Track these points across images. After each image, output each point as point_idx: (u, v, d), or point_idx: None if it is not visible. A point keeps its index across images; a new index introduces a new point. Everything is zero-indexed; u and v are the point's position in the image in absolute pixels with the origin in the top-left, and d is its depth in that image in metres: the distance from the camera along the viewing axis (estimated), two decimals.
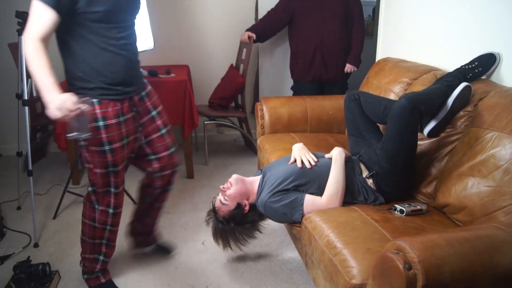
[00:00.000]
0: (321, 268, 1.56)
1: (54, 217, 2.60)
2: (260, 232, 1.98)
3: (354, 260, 1.38)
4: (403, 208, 1.67)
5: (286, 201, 1.78)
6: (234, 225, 1.90)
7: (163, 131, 1.88)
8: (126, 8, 1.65)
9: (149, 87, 1.87)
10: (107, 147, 1.68)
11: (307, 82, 3.29)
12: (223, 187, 1.93)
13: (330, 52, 3.18)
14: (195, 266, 2.13)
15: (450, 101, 1.79)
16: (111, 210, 1.82)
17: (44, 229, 2.47)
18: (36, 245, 2.29)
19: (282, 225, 2.27)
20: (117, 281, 2.00)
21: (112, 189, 1.79)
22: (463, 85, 1.79)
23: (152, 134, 1.86)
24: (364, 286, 1.31)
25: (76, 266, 2.11)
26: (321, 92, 3.25)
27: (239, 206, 1.90)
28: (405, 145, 1.75)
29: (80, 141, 1.68)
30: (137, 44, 1.78)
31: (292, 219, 1.78)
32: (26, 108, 2.34)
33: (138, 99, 1.79)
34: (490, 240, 1.21)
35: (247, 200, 1.93)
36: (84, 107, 1.48)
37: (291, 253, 2.20)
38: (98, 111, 1.65)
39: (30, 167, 2.37)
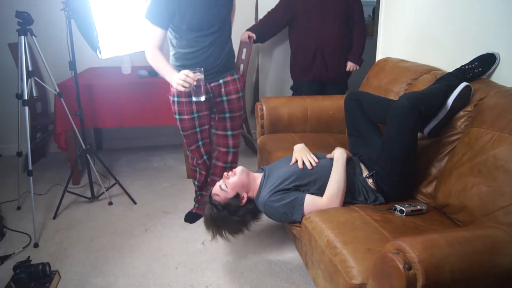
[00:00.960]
0: (321, 268, 1.56)
1: (54, 217, 2.60)
2: (248, 229, 1.97)
3: (354, 260, 1.38)
4: (403, 208, 1.67)
5: (286, 200, 1.78)
6: (227, 214, 1.87)
7: (226, 115, 2.33)
8: (208, 21, 2.08)
9: (231, 78, 2.27)
10: (177, 117, 2.28)
11: (307, 82, 3.28)
12: (227, 174, 1.93)
13: (330, 52, 3.18)
14: (195, 266, 2.13)
15: (450, 101, 1.79)
16: (195, 160, 2.44)
17: (44, 229, 2.48)
18: (36, 245, 2.30)
19: (282, 225, 2.27)
20: (117, 281, 2.00)
21: (189, 147, 2.40)
22: (463, 85, 1.79)
23: (216, 114, 2.34)
24: (364, 286, 1.31)
25: (76, 266, 2.11)
26: (321, 92, 3.24)
27: (237, 196, 1.89)
28: (405, 145, 1.75)
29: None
30: (223, 44, 2.19)
31: (292, 218, 1.78)
32: (26, 108, 2.34)
33: (215, 85, 2.22)
34: (490, 240, 1.21)
35: (247, 193, 1.92)
36: (198, 76, 1.95)
37: (291, 253, 2.20)
38: (175, 89, 2.13)
39: (30, 167, 2.37)
